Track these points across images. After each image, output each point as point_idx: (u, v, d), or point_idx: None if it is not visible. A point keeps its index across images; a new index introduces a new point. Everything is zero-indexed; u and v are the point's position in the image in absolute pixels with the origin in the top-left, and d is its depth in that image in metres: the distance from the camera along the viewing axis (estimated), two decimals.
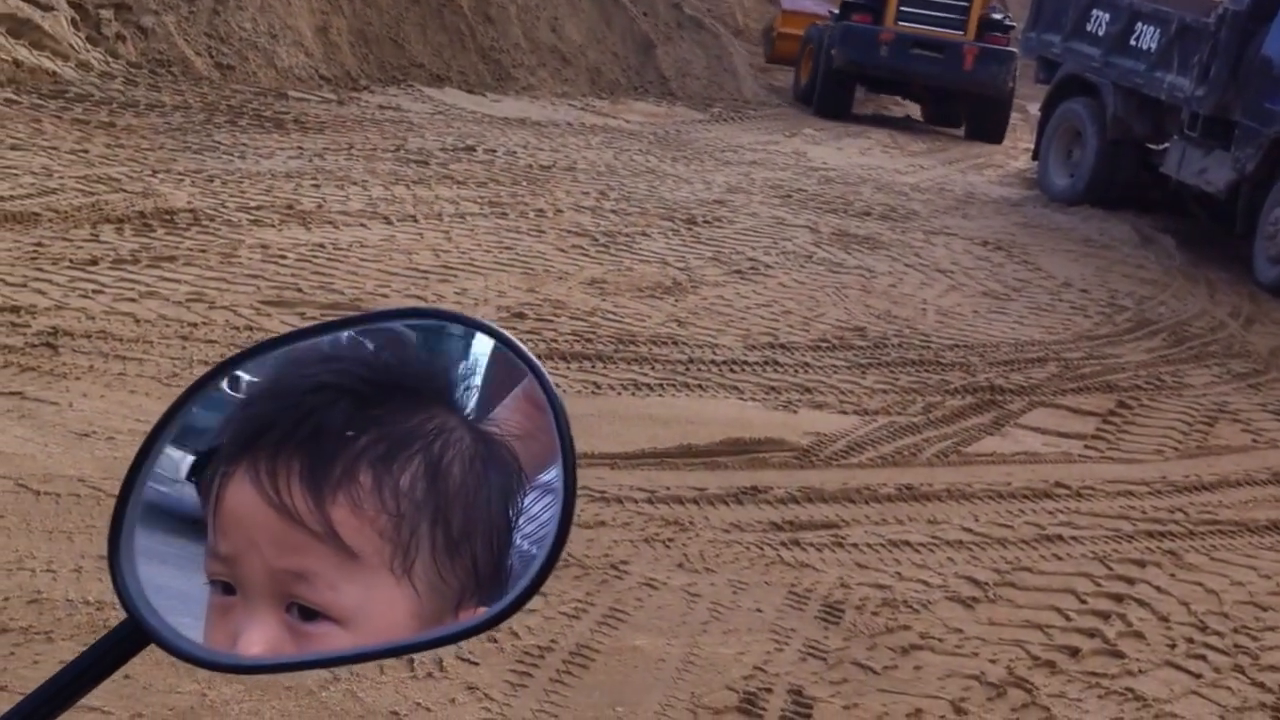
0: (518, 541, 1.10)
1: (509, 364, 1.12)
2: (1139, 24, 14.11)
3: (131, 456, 1.14)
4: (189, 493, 1.11)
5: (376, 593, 1.05)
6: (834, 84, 20.37)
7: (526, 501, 1.11)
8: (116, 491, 1.08)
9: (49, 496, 5.02)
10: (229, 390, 1.14)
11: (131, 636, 1.09)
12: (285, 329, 6.92)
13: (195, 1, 14.24)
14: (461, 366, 1.12)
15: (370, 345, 1.13)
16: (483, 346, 1.13)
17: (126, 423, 5.72)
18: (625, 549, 5.38)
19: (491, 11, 17.51)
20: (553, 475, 1.10)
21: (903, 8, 19.98)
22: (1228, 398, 8.75)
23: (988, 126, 20.62)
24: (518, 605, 1.07)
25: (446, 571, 1.08)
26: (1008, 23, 20.89)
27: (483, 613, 1.09)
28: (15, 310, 6.77)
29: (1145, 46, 13.96)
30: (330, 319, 1.15)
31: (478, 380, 1.12)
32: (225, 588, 1.07)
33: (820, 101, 20.44)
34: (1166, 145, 14.16)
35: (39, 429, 5.57)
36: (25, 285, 7.17)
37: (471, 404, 1.11)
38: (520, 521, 1.11)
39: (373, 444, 1.06)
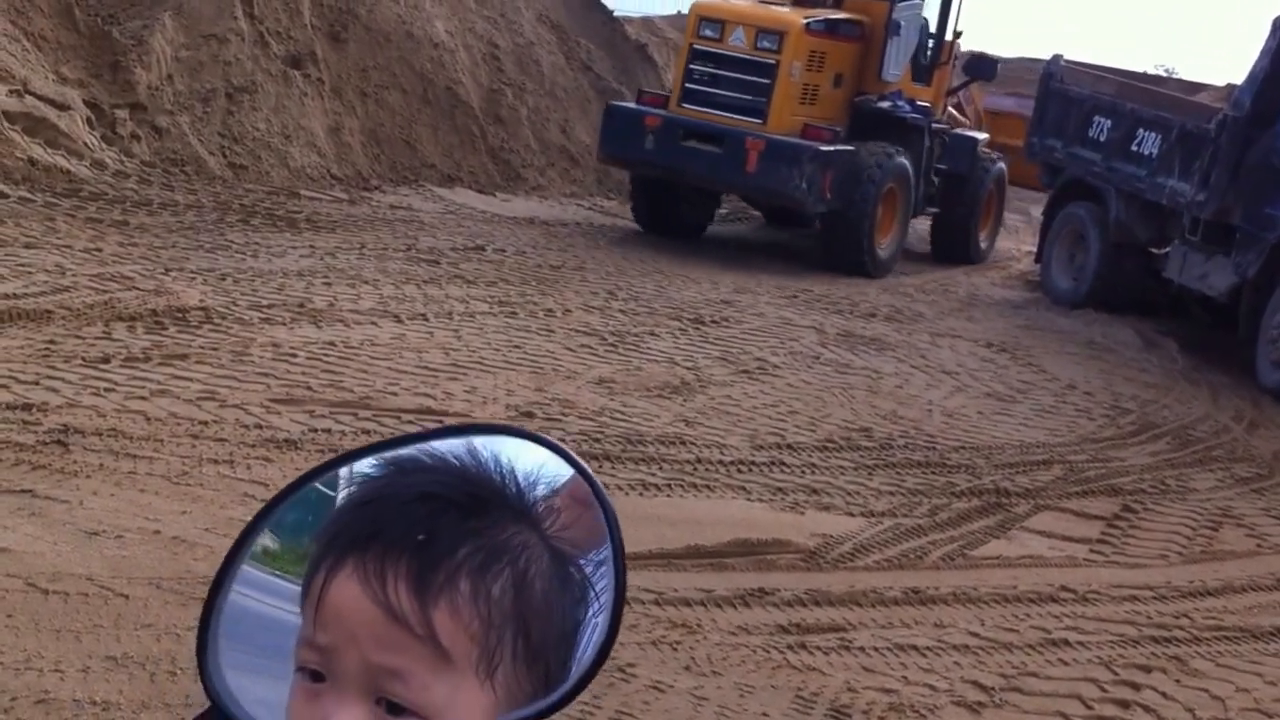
0: (580, 651, 1.18)
1: (578, 484, 1.21)
2: (1140, 130, 14.26)
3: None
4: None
5: (461, 694, 1.12)
6: (637, 187, 15.75)
7: (589, 618, 1.19)
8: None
9: (58, 595, 5.04)
10: (325, 489, 1.21)
11: None
12: (295, 427, 6.98)
13: (210, 102, 14.44)
14: (541, 485, 1.20)
15: (455, 458, 1.19)
16: (558, 466, 1.21)
17: (136, 521, 5.75)
18: (632, 651, 5.39)
19: (502, 113, 17.73)
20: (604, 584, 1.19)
21: (689, 85, 15.17)
22: (1232, 502, 8.75)
23: (839, 249, 15.21)
24: (575, 694, 1.16)
25: (524, 678, 1.15)
26: (906, 116, 15.68)
27: (552, 695, 1.17)
28: (27, 408, 6.82)
29: (1147, 152, 14.09)
30: (406, 435, 1.25)
31: (556, 501, 1.20)
32: (314, 675, 1.13)
33: (634, 207, 15.98)
34: (1168, 250, 14.25)
35: (49, 527, 5.60)
36: (37, 383, 7.23)
37: (548, 522, 1.18)
38: (585, 634, 1.18)
39: (472, 554, 1.13)
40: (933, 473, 8.35)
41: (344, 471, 1.21)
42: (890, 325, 12.70)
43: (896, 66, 15.87)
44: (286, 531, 1.20)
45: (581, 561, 1.19)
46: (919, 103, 16.10)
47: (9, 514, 5.64)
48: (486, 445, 1.20)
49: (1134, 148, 14.27)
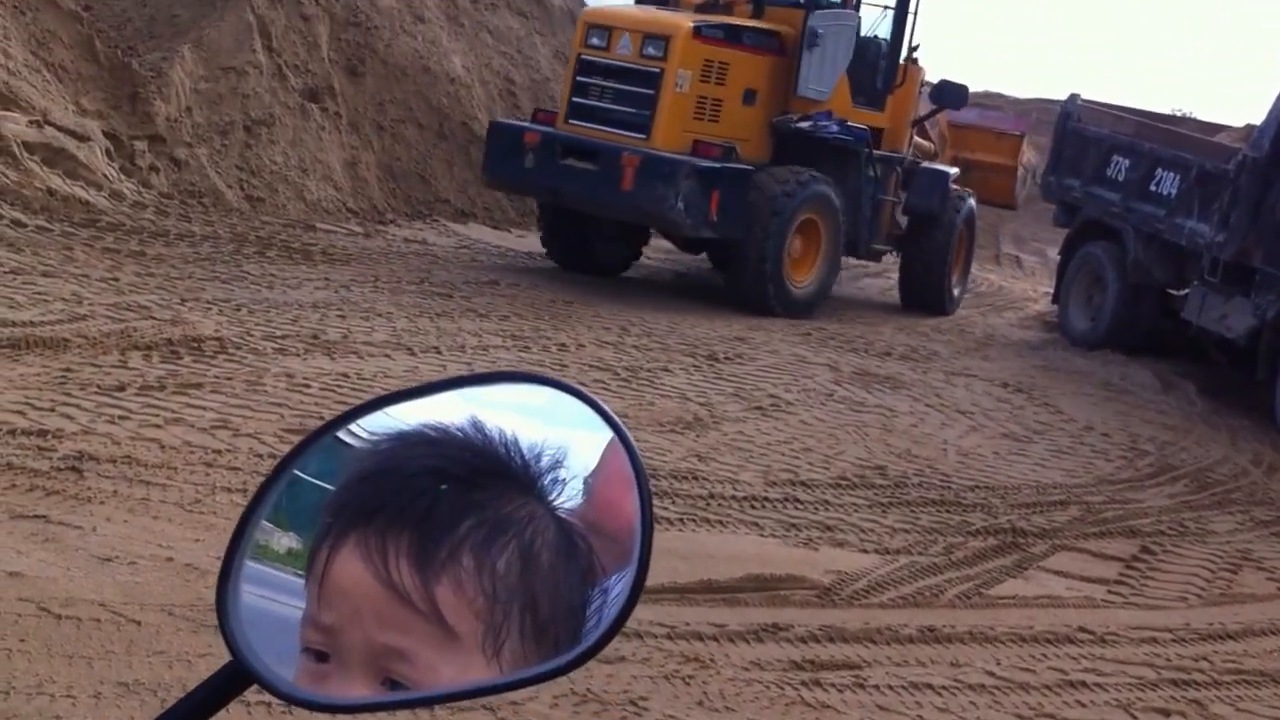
0: (589, 625, 1.16)
1: (591, 455, 1.19)
2: (1159, 170, 14.22)
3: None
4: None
5: (469, 674, 1.10)
6: (545, 217, 14.57)
7: (596, 591, 1.16)
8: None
9: (70, 621, 5.01)
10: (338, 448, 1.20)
11: (235, 677, 1.14)
12: None
13: (228, 135, 14.49)
14: (547, 457, 1.17)
15: (459, 431, 1.16)
16: (565, 437, 1.19)
17: (149, 548, 5.73)
18: (645, 685, 5.34)
19: None
20: (617, 576, 1.16)
21: (575, 99, 13.93)
22: (1251, 545, 8.69)
23: (738, 282, 13.83)
24: (592, 654, 1.14)
25: (532, 654, 1.12)
26: (829, 137, 14.01)
27: (559, 659, 1.14)
28: (42, 434, 6.81)
29: (1165, 192, 14.06)
30: (434, 380, 1.23)
31: (561, 473, 1.17)
32: (319, 656, 1.10)
33: (544, 240, 14.73)
34: (1187, 291, 14.20)
35: (62, 553, 5.57)
36: (53, 410, 7.23)
37: (554, 494, 1.16)
38: (594, 609, 1.16)
39: (475, 528, 1.11)
40: (948, 511, 8.30)
41: (379, 415, 1.20)
42: (905, 364, 12.67)
43: (818, 82, 14.24)
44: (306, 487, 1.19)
45: (607, 518, 1.16)
46: (852, 124, 14.38)
47: (23, 539, 5.62)
48: (496, 415, 1.17)
49: (1152, 188, 14.23)
